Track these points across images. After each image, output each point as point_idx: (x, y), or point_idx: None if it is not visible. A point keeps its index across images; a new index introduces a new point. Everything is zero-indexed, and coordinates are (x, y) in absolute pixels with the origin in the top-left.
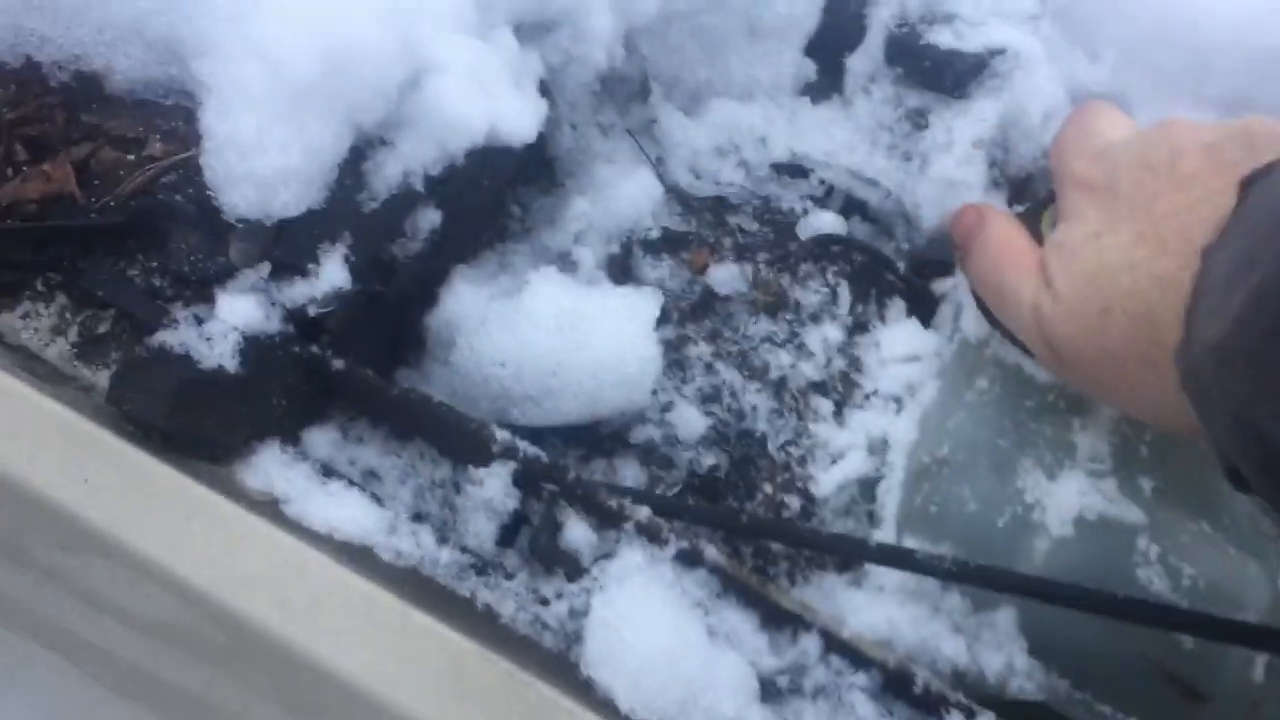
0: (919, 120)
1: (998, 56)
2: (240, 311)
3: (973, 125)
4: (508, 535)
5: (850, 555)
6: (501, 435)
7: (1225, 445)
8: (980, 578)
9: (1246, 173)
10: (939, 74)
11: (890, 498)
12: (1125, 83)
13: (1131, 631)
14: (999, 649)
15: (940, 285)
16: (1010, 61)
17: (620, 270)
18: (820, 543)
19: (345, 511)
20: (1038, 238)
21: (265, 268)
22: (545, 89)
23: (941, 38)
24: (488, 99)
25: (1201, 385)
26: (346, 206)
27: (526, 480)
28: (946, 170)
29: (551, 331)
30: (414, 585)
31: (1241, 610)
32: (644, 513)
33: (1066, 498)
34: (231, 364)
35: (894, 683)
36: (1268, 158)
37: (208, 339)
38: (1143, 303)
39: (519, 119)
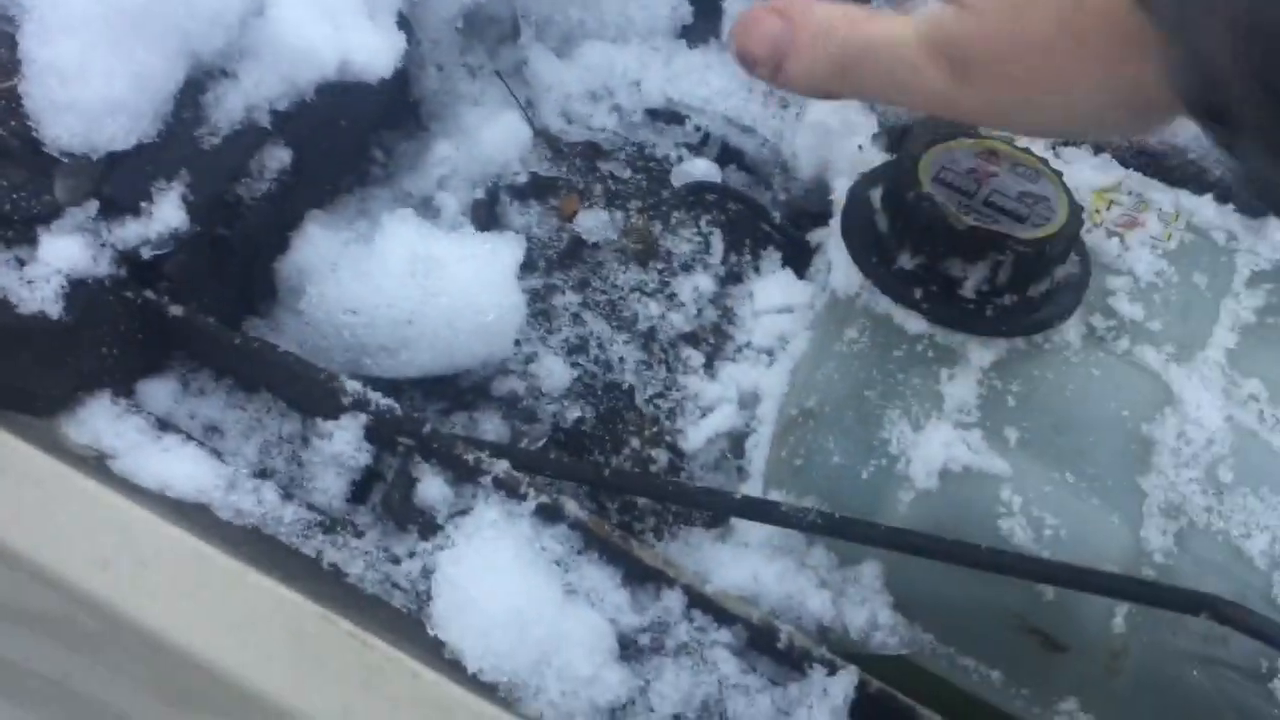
0: None
1: None
2: (66, 253)
3: None
4: (360, 491)
5: (713, 509)
6: (352, 386)
7: (1210, 64)
8: (843, 530)
9: None
10: None
11: (758, 452)
12: None
13: (994, 583)
14: (863, 603)
15: (816, 235)
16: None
17: (485, 216)
18: (684, 497)
19: (181, 467)
20: (917, 185)
21: (93, 206)
22: (405, 23)
23: None
24: (338, 30)
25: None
26: (184, 142)
27: (380, 434)
28: (823, 118)
29: (405, 278)
30: (255, 545)
31: (1103, 560)
32: (502, 467)
33: (932, 449)
34: (55, 309)
35: (757, 639)
36: None
37: (29, 282)
38: None
39: (374, 53)
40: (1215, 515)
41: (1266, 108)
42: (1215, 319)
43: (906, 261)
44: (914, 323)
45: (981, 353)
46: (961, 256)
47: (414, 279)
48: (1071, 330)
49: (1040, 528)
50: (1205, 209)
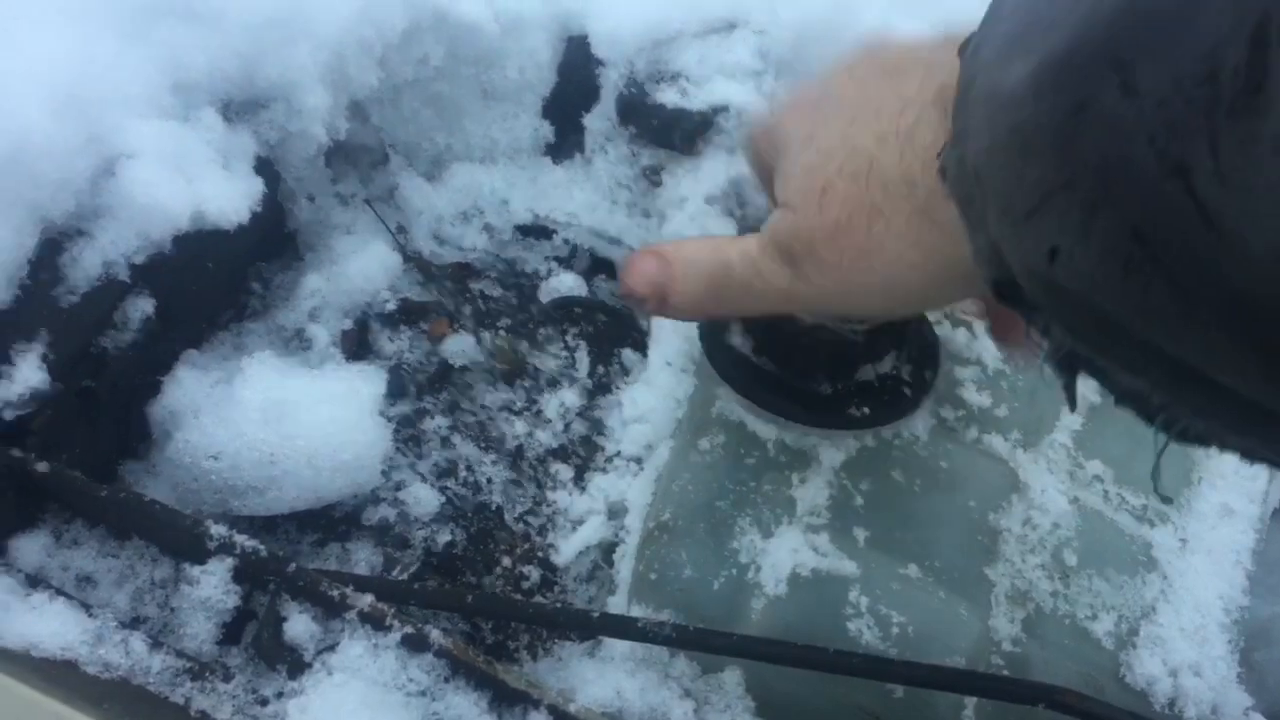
0: (654, 178)
1: (721, 113)
2: None
3: (703, 181)
4: (232, 633)
5: (572, 629)
6: (217, 530)
7: (1013, 245)
8: (695, 642)
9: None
10: (668, 132)
11: (625, 563)
12: None
13: (848, 683)
14: (726, 710)
15: None
16: (734, 118)
17: (355, 346)
18: (543, 618)
19: (47, 625)
20: None
21: None
22: (265, 165)
23: (668, 97)
24: (189, 183)
25: (977, 189)
26: (41, 302)
27: (249, 575)
28: (683, 226)
29: (260, 423)
30: (122, 698)
31: (951, 652)
32: (367, 600)
33: (781, 555)
34: None
35: None
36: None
37: None
38: (864, 159)
39: (228, 200)
40: (1061, 599)
41: (1046, 295)
42: (1061, 402)
43: (758, 362)
44: (766, 428)
45: (832, 453)
46: (802, 353)
47: (268, 424)
48: (920, 422)
49: (888, 625)
50: None
